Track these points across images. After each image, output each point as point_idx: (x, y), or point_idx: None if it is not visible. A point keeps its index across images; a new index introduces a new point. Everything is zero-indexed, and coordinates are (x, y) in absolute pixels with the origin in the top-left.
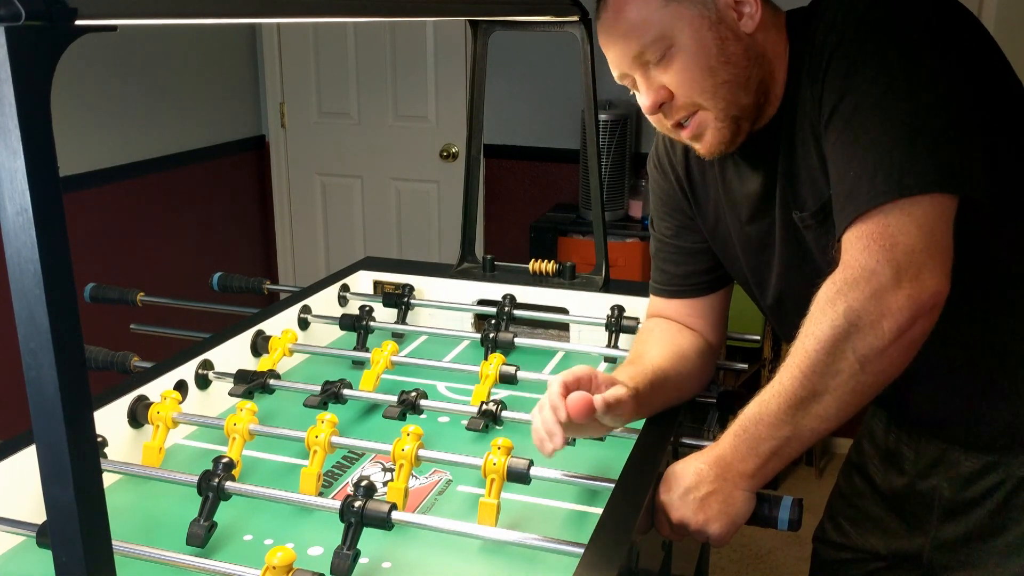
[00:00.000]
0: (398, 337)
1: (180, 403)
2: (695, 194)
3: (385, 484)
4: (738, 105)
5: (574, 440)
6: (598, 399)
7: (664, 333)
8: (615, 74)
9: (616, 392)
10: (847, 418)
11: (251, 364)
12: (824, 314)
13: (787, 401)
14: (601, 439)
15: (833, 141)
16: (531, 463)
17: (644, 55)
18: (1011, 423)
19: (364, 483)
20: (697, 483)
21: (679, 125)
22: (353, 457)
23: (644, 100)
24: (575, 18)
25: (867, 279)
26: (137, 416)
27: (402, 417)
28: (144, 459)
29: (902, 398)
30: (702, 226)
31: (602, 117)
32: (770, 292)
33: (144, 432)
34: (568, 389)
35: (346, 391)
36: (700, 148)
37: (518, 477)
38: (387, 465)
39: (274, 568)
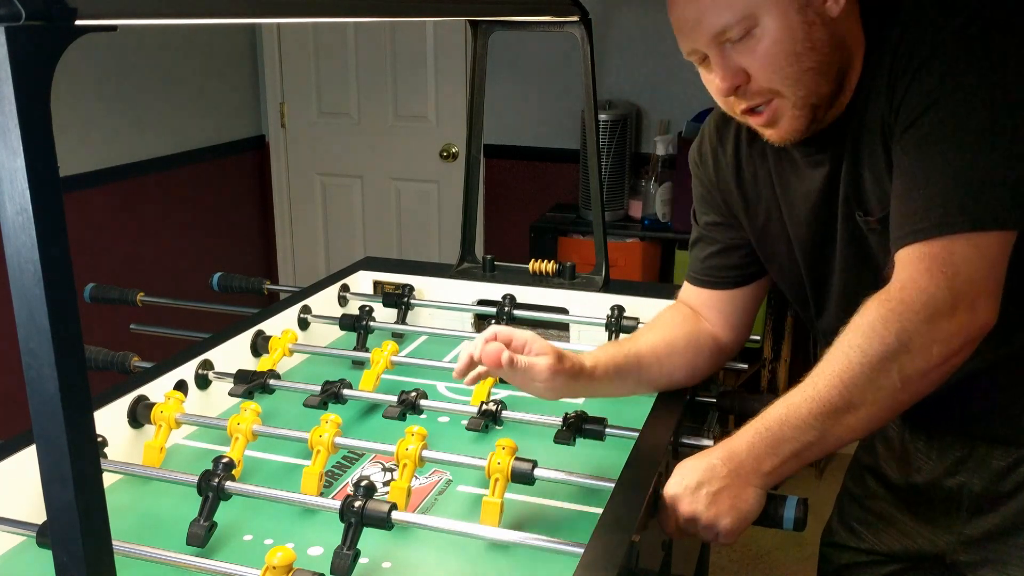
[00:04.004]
0: (398, 337)
1: (183, 403)
2: (744, 193)
3: (385, 484)
4: (818, 93)
5: (574, 440)
6: (506, 355)
7: (668, 321)
8: (684, 49)
9: (531, 359)
10: (872, 432)
11: (251, 364)
12: (875, 330)
13: (820, 407)
14: (600, 439)
15: (906, 152)
16: (535, 464)
17: (726, 33)
18: None
19: (364, 483)
20: (710, 478)
21: (751, 110)
22: (353, 457)
23: (719, 82)
24: (575, 18)
25: (924, 303)
26: (137, 416)
27: (402, 417)
28: (145, 459)
29: (925, 403)
30: (748, 225)
31: (602, 117)
32: (831, 291)
33: (144, 432)
34: (497, 338)
35: (346, 391)
36: (772, 135)
37: (522, 478)
38: (387, 465)
39: (274, 568)
